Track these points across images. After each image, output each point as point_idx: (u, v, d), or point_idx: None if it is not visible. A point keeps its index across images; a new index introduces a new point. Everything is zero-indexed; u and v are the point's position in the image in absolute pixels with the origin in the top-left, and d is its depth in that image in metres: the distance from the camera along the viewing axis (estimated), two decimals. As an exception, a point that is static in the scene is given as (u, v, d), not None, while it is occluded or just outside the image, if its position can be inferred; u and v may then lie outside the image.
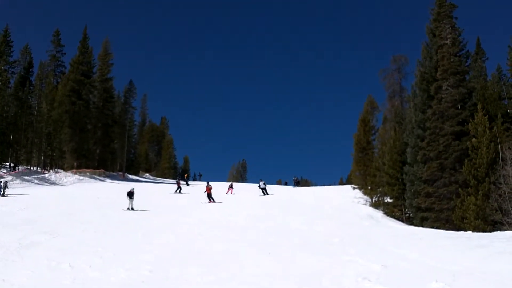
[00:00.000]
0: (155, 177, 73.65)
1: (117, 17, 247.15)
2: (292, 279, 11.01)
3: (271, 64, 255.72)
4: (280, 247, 16.05)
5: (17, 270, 12.05)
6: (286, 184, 53.51)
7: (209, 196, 31.85)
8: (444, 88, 29.19)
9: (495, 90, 34.77)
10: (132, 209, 26.11)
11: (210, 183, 34.58)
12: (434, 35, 31.00)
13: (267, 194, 37.38)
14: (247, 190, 40.96)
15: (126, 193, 27.01)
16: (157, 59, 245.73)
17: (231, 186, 40.82)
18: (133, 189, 27.34)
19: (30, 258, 13.51)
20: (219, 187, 38.50)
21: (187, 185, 47.48)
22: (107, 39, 71.89)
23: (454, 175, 27.32)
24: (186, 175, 57.74)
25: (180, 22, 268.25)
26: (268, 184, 46.80)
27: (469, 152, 26.51)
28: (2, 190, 31.06)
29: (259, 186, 38.72)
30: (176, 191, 38.44)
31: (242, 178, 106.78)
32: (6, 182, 32.50)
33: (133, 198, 26.60)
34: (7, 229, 18.31)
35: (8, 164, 51.88)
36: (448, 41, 29.76)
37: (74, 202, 29.12)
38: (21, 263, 12.87)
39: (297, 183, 53.37)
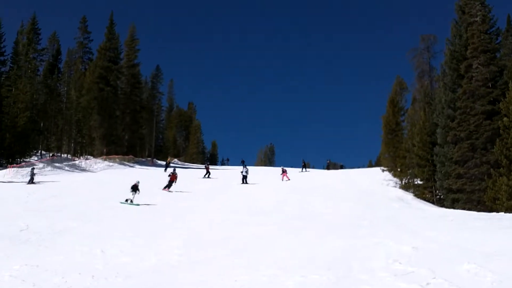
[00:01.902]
0: (183, 163, 74.11)
1: (142, 3, 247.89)
2: (321, 262, 10.95)
3: (297, 47, 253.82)
4: (308, 231, 16.01)
5: (50, 255, 12.29)
6: (342, 167, 50.96)
7: (170, 183, 29.08)
8: (474, 66, 28.57)
9: (527, 67, 33.87)
10: (132, 201, 23.25)
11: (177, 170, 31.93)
12: (464, 13, 30.38)
13: (246, 183, 33.59)
14: (275, 174, 40.68)
15: (130, 187, 24.09)
16: (184, 44, 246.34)
17: (284, 171, 37.84)
18: (138, 182, 24.62)
19: (62, 244, 13.77)
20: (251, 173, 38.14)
21: (166, 170, 40.68)
22: (133, 24, 72.39)
23: (486, 155, 26.83)
24: (168, 160, 51.99)
25: (206, 5, 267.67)
26: (296, 167, 46.31)
27: (501, 131, 25.92)
28: (31, 177, 31.59)
29: (241, 172, 34.64)
30: (205, 176, 38.55)
31: (270, 162, 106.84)
32: (33, 168, 33.00)
33: (136, 192, 23.77)
34: (39, 216, 18.69)
35: (39, 151, 52.87)
36: (477, 19, 29.09)
37: (104, 188, 29.57)
38: (54, 249, 13.12)
39: (304, 167, 47.74)
